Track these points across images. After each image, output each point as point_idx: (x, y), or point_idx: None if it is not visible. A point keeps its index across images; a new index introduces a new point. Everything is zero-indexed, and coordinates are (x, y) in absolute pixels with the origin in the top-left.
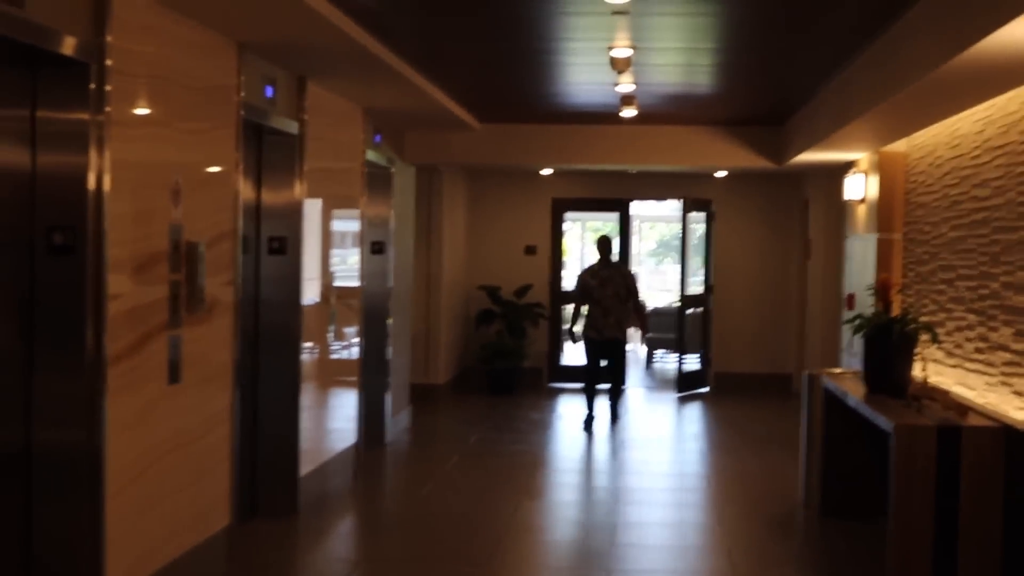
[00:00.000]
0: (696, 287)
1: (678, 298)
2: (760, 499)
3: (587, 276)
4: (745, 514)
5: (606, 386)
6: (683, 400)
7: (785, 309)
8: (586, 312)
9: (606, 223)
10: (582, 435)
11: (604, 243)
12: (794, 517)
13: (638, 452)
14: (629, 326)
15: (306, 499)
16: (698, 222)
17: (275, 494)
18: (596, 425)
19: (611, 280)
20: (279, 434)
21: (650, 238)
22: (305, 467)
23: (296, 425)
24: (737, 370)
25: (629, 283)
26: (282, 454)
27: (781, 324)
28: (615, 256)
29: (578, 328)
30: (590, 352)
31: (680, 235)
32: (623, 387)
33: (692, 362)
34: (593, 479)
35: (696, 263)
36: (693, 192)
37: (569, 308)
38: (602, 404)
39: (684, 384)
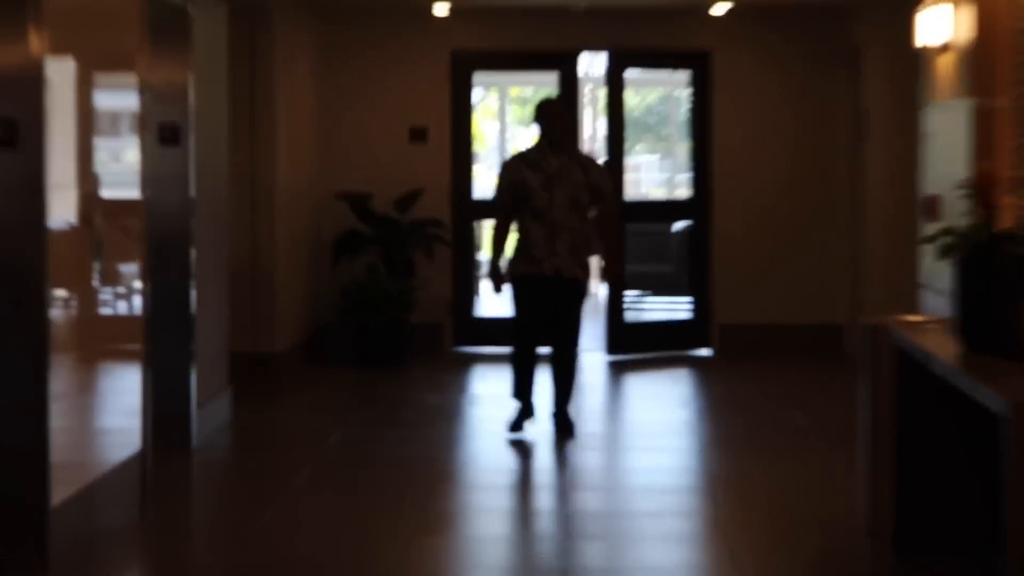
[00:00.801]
0: (682, 190)
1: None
2: (798, 526)
3: (520, 168)
4: (775, 551)
5: (546, 353)
6: (665, 367)
7: (828, 223)
8: (517, 232)
9: (540, 88)
10: (510, 437)
11: (551, 112)
12: (852, 554)
13: (599, 455)
14: (591, 256)
15: (62, 545)
16: (684, 87)
17: (9, 539)
18: (533, 424)
19: (563, 176)
20: (15, 441)
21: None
22: (59, 493)
23: (43, 425)
24: (755, 320)
25: (595, 180)
26: (19, 473)
27: (823, 247)
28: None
29: (505, 262)
30: (524, 302)
31: (660, 106)
32: (575, 360)
33: (680, 309)
34: (530, 499)
35: (683, 152)
36: (676, 39)
37: (487, 225)
38: (543, 389)
39: (667, 342)
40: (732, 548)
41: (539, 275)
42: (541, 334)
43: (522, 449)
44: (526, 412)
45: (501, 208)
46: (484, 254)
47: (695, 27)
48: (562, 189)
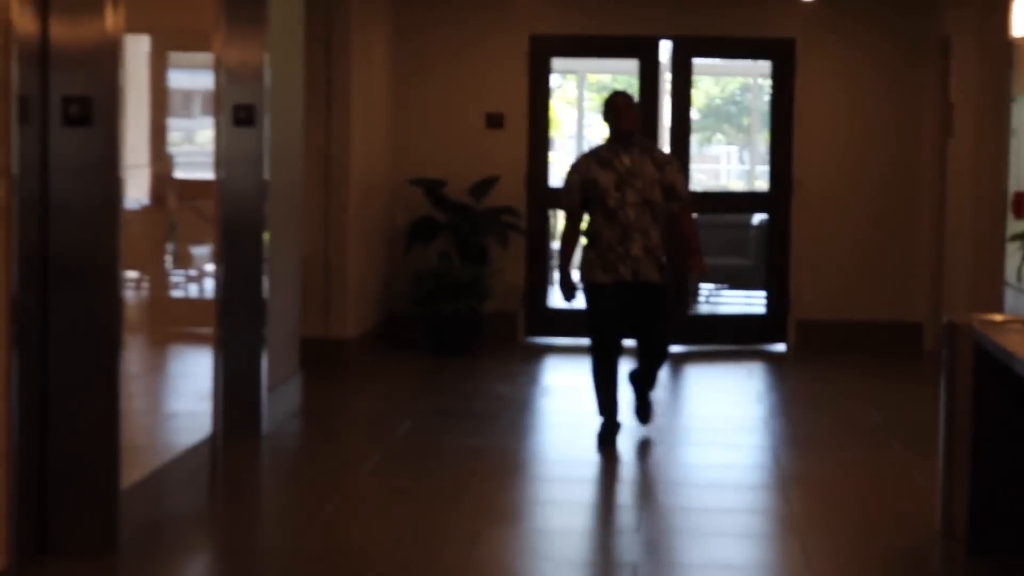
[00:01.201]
0: (761, 182)
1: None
2: (871, 525)
3: (591, 167)
4: (849, 550)
5: (631, 357)
6: (739, 360)
7: (911, 218)
8: (587, 235)
9: (619, 76)
10: (597, 448)
11: (620, 106)
12: (928, 554)
13: (672, 450)
14: (665, 256)
15: (131, 528)
16: (766, 76)
17: (79, 520)
18: (621, 436)
19: (636, 173)
20: (85, 423)
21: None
22: (129, 476)
23: (113, 407)
24: (832, 317)
25: (670, 177)
26: (90, 455)
27: (905, 243)
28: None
29: (575, 268)
30: (603, 311)
31: (740, 95)
32: (665, 351)
33: (755, 303)
34: (601, 493)
35: (761, 144)
36: (759, 26)
37: (558, 222)
38: (625, 393)
39: (741, 336)
40: (804, 547)
41: (617, 282)
42: (621, 343)
43: (593, 443)
44: (612, 427)
45: (570, 210)
46: (556, 244)
47: (779, 15)
48: (635, 188)
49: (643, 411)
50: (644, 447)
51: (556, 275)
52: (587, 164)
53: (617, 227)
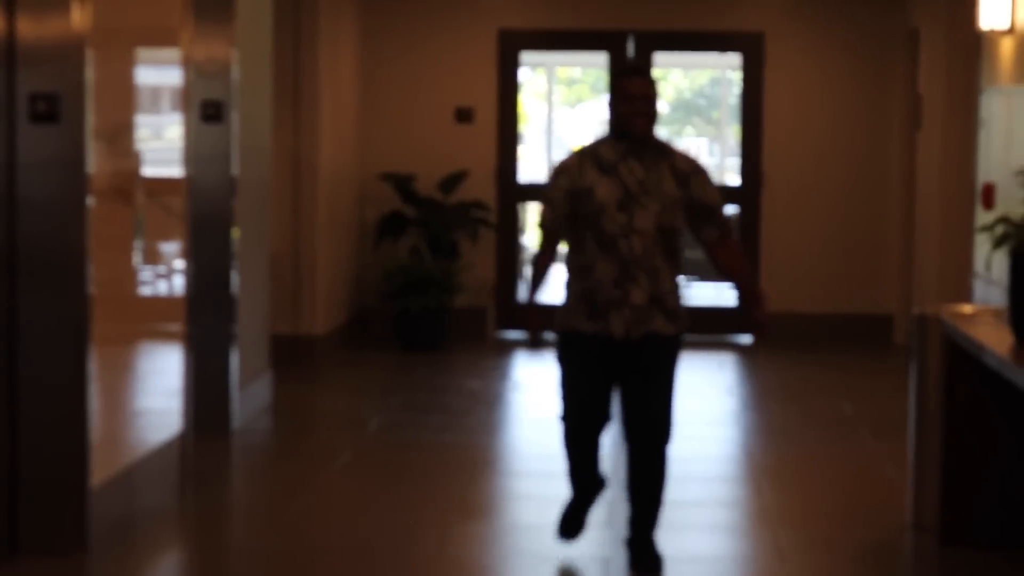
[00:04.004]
0: (731, 175)
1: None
2: (844, 517)
3: (586, 171)
4: (819, 542)
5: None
6: (709, 352)
7: (881, 211)
8: (572, 265)
9: (589, 70)
10: (560, 542)
11: (635, 88)
12: (898, 546)
13: None
14: (680, 302)
15: (101, 526)
16: (736, 69)
17: (49, 518)
18: (586, 523)
19: (651, 190)
20: (54, 420)
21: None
22: (99, 474)
23: (82, 406)
24: (802, 309)
25: (698, 193)
26: (59, 453)
27: (874, 235)
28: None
29: (551, 299)
30: (578, 372)
31: (710, 89)
32: (664, 462)
33: (723, 295)
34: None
35: (732, 137)
36: (728, 19)
37: (528, 215)
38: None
39: (709, 326)
40: (776, 539)
41: (602, 335)
42: (604, 419)
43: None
44: (579, 511)
45: (549, 232)
46: (526, 239)
47: (750, 7)
48: (647, 210)
49: (648, 561)
50: (614, 440)
51: (528, 322)
52: (580, 166)
53: (615, 261)
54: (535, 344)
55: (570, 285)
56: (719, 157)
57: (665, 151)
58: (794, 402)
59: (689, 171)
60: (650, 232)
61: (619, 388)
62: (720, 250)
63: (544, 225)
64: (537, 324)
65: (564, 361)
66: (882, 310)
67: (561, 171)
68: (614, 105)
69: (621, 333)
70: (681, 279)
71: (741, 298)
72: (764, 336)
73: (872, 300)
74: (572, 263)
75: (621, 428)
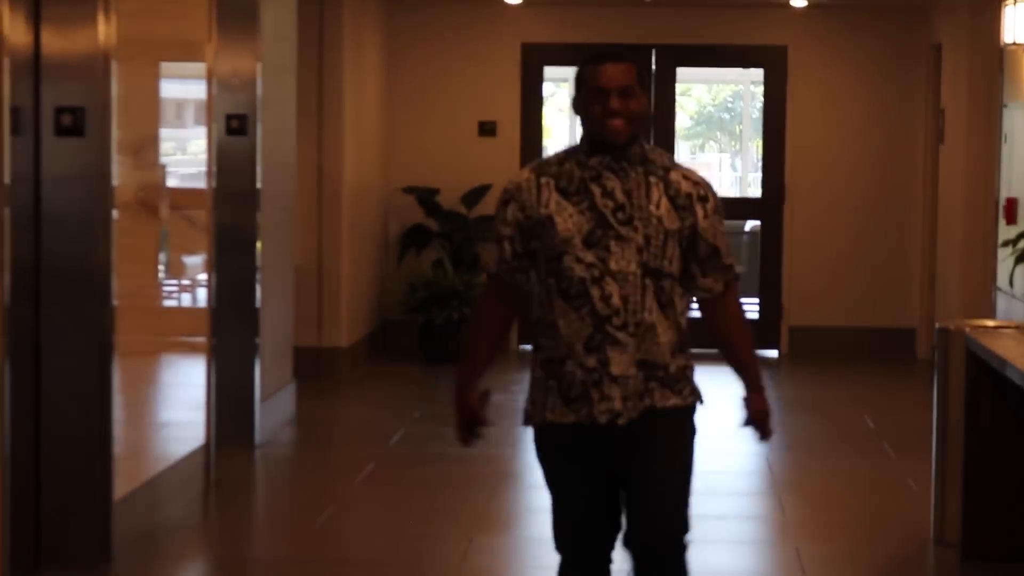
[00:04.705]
0: (753, 189)
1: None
2: (866, 532)
3: (542, 192)
4: (841, 556)
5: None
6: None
7: (903, 225)
8: (534, 326)
9: None
10: None
11: (607, 79)
12: (921, 561)
13: None
14: (687, 366)
15: (124, 538)
16: (758, 83)
17: (73, 530)
18: None
19: (637, 215)
20: (78, 434)
21: (684, 108)
22: (122, 487)
23: (106, 418)
24: (825, 323)
25: (703, 226)
26: (83, 466)
27: (897, 249)
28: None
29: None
30: (566, 487)
31: (733, 103)
32: (683, 572)
33: (748, 309)
34: None
35: (754, 150)
36: (751, 34)
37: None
38: None
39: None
40: (799, 553)
41: (587, 426)
42: (611, 536)
43: None
44: None
45: (493, 277)
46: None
47: (771, 21)
48: (628, 242)
49: None
50: None
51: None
52: (535, 187)
53: (588, 317)
54: (467, 441)
55: (534, 354)
56: (741, 171)
57: (657, 164)
58: (816, 416)
59: (693, 193)
60: (633, 275)
61: (623, 486)
62: (721, 309)
63: (487, 270)
64: (467, 420)
65: (545, 468)
66: (904, 324)
67: (508, 198)
68: (581, 105)
69: (607, 419)
70: (685, 339)
71: (742, 380)
72: (767, 440)
73: (894, 314)
74: (534, 323)
75: (623, 534)
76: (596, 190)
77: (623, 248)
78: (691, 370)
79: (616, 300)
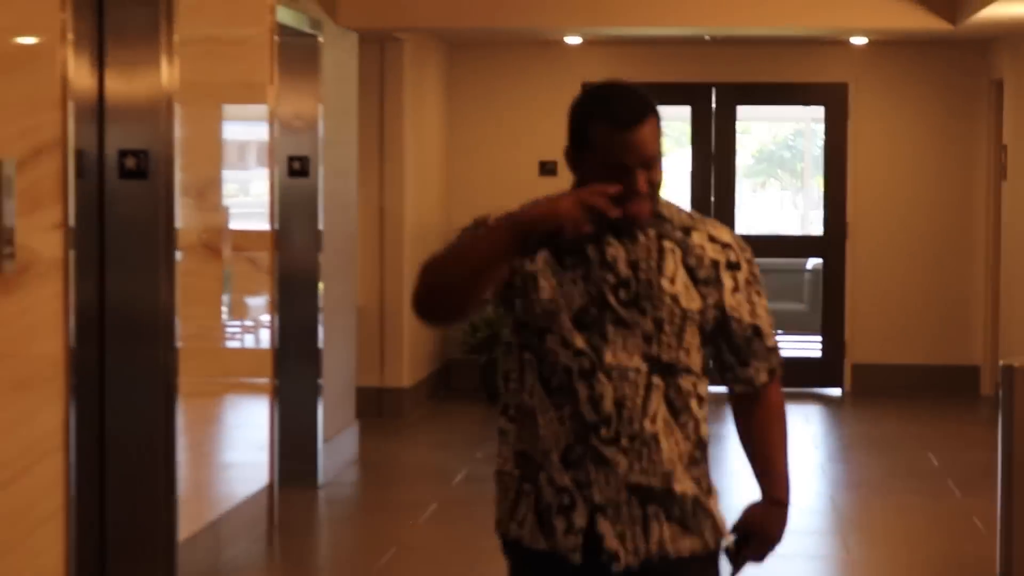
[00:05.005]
0: (814, 226)
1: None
2: (931, 572)
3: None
4: None
5: None
6: (795, 404)
7: (966, 261)
8: (507, 415)
9: (671, 123)
10: None
11: (641, 142)
12: None
13: (725, 494)
14: (707, 494)
15: None
16: (819, 121)
17: (138, 572)
18: None
19: (644, 293)
20: (142, 475)
21: (745, 147)
22: (187, 527)
23: (171, 460)
24: (888, 360)
25: (736, 300)
26: (148, 505)
27: (960, 286)
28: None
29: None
30: None
31: (794, 140)
32: None
33: (810, 347)
34: None
35: (815, 188)
36: (811, 71)
37: None
38: None
39: (794, 379)
40: None
41: (559, 557)
42: None
43: None
44: None
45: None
46: None
47: (832, 59)
48: (632, 327)
49: None
50: None
51: None
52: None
53: (569, 422)
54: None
55: (503, 437)
56: (803, 208)
57: (675, 224)
58: (880, 454)
59: (720, 260)
60: (636, 371)
61: None
62: (760, 405)
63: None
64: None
65: None
66: (968, 361)
67: (481, 224)
68: (585, 169)
69: (580, 558)
70: (704, 453)
71: (762, 487)
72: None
73: (958, 351)
74: (508, 398)
75: None
76: (594, 256)
77: (624, 336)
78: (713, 496)
79: (607, 404)
